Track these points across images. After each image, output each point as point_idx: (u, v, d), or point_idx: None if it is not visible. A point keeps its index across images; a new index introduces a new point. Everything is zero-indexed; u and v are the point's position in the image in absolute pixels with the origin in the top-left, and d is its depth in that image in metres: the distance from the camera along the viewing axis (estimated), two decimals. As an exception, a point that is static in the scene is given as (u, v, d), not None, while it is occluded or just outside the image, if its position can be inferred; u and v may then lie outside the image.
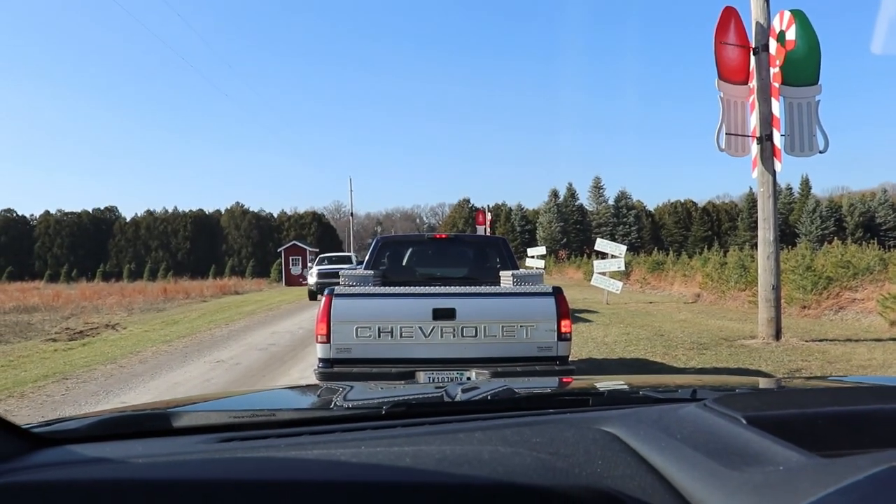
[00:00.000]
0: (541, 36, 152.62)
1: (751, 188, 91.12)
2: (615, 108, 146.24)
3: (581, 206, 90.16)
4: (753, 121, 12.73)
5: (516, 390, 1.90)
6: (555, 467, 1.18)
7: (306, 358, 12.22)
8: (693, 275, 28.84)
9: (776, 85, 12.36)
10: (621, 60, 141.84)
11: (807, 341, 12.36)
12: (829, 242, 31.84)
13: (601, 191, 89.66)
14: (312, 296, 29.45)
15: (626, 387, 2.28)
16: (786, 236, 79.48)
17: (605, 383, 2.46)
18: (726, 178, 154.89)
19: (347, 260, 33.90)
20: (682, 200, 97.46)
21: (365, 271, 7.59)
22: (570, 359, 6.13)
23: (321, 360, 6.01)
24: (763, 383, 2.70)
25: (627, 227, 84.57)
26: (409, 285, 7.06)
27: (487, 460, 1.22)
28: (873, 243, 23.41)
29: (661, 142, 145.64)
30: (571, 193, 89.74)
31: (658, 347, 12.10)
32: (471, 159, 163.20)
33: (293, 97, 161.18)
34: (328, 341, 5.95)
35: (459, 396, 1.79)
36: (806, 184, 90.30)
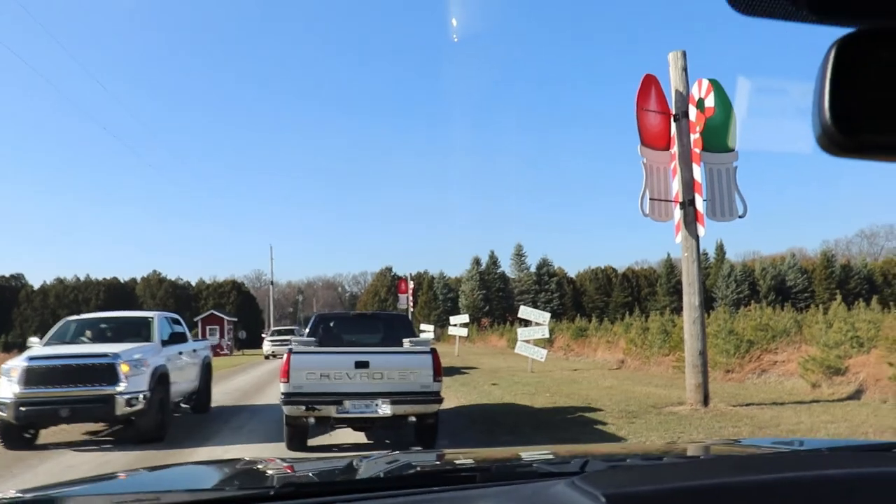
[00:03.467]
0: (456, 103, 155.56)
1: (669, 254, 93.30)
2: (535, 176, 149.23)
3: (503, 274, 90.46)
4: (676, 186, 12.82)
5: (415, 465, 2.07)
6: None
7: (216, 433, 11.45)
8: (616, 341, 28.97)
9: (697, 151, 12.51)
10: (541, 129, 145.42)
11: (734, 406, 12.27)
12: (746, 306, 32.58)
13: (523, 258, 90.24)
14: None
15: (519, 460, 2.33)
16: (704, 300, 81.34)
17: (507, 455, 2.69)
18: (644, 245, 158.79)
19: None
20: (603, 267, 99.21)
21: (309, 338, 10.64)
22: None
23: (283, 393, 9.01)
24: (655, 452, 2.77)
25: (549, 293, 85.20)
26: (339, 346, 10.37)
27: None
28: (787, 305, 24.01)
29: (580, 210, 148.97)
30: (493, 261, 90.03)
31: (587, 417, 11.80)
32: (393, 229, 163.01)
33: (213, 165, 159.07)
34: (288, 381, 8.94)
35: (361, 472, 1.94)
36: (720, 249, 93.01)
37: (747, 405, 12.44)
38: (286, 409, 9.01)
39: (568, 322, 43.56)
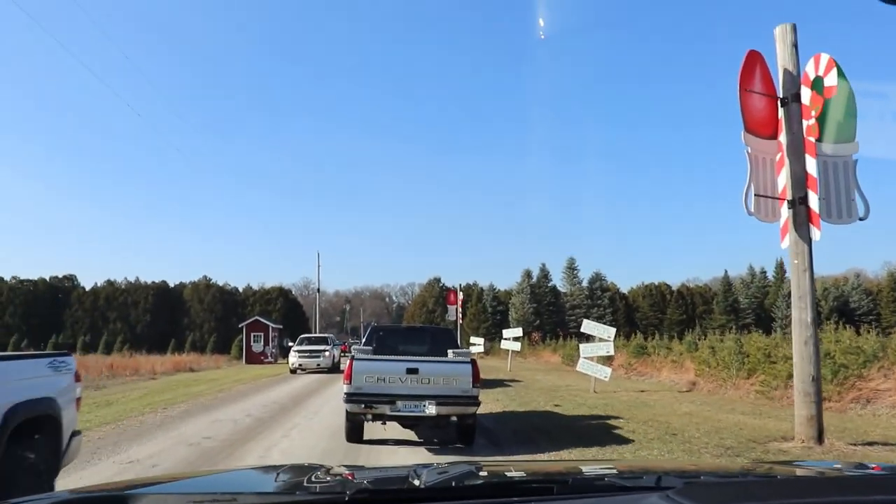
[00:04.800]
0: (510, 111, 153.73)
1: (726, 271, 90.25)
2: (586, 191, 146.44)
3: (554, 288, 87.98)
4: (783, 181, 10.89)
5: (481, 475, 2.09)
6: None
7: (245, 457, 9.88)
8: (681, 360, 26.82)
9: (811, 140, 10.55)
10: (588, 145, 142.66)
11: (853, 445, 10.22)
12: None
13: (575, 272, 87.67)
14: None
15: (591, 473, 2.26)
16: (761, 321, 78.17)
17: (571, 467, 2.73)
18: (696, 263, 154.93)
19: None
20: (657, 283, 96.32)
21: (366, 346, 11.93)
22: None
23: (346, 393, 10.30)
24: (732, 470, 2.71)
25: (602, 309, 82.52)
26: (391, 355, 11.64)
27: None
28: (868, 329, 21.84)
29: (632, 227, 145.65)
30: (545, 274, 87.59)
31: (678, 453, 9.87)
32: (442, 240, 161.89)
33: (268, 175, 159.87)
34: (350, 383, 10.22)
35: (425, 480, 1.87)
36: (780, 267, 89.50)
37: (870, 444, 10.38)
38: (348, 407, 10.51)
39: (622, 339, 41.21)
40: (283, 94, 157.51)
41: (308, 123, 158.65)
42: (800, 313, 10.60)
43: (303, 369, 32.22)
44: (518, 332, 35.45)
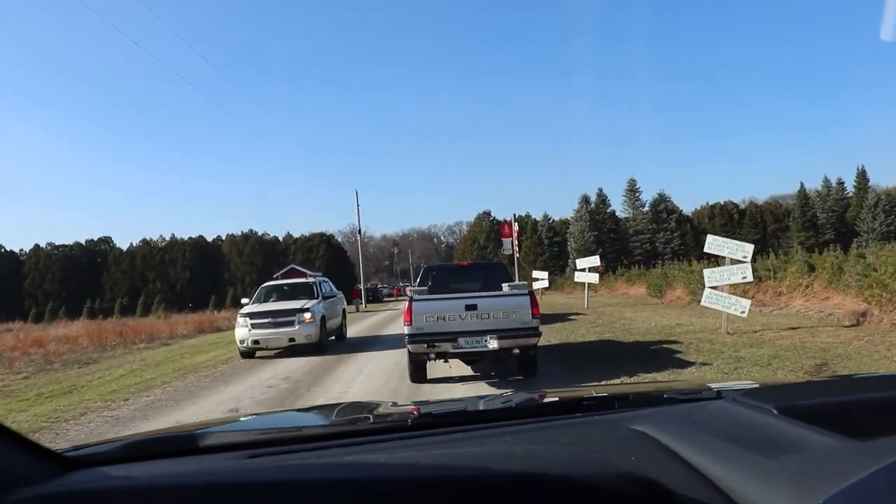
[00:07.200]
0: (557, 36, 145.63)
1: (802, 183, 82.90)
2: (632, 110, 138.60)
3: (614, 214, 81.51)
4: None
5: (544, 400, 2.06)
6: (590, 460, 1.20)
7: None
8: (811, 283, 20.96)
9: None
10: (634, 65, 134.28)
11: None
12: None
13: (637, 195, 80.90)
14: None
15: (651, 390, 2.23)
16: (841, 235, 71.25)
17: (631, 388, 2.85)
18: (753, 180, 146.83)
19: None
20: (722, 202, 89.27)
21: (421, 287, 12.18)
22: None
23: (408, 334, 10.35)
24: (789, 381, 2.81)
25: (669, 233, 76.12)
26: (446, 293, 11.53)
27: (521, 456, 1.24)
28: None
29: (680, 145, 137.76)
30: (603, 200, 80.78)
31: None
32: (489, 173, 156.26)
33: (308, 120, 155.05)
34: (411, 324, 10.27)
35: (487, 406, 1.96)
36: (863, 177, 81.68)
37: None
38: (411, 347, 10.51)
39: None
40: (320, 47, 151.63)
41: (343, 72, 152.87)
42: None
43: (259, 346, 17.13)
44: (595, 260, 29.64)
